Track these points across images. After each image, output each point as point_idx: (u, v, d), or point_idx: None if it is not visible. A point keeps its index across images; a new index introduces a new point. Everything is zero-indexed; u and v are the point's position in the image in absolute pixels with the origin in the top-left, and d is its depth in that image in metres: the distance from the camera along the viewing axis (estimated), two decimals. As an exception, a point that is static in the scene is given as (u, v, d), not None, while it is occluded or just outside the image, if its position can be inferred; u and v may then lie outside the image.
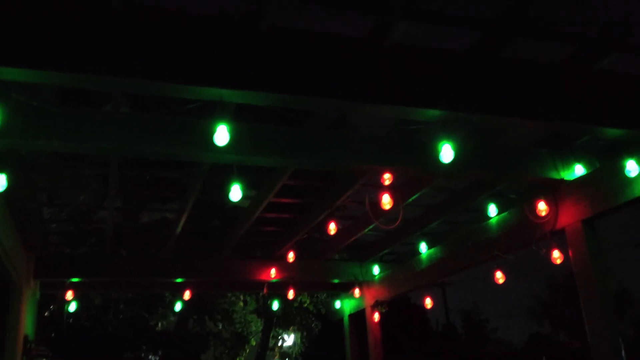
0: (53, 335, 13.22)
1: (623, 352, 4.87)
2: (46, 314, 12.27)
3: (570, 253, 5.38)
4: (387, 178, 5.45)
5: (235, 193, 4.70)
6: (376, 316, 9.32)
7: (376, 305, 9.31)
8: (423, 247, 8.16)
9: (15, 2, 3.48)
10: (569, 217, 5.39)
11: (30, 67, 3.38)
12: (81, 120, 4.18)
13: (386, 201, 5.37)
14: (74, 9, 3.54)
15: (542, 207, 5.55)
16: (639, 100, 4.63)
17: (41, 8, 3.51)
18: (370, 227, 7.48)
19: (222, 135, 3.82)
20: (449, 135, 4.42)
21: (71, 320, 12.83)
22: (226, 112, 4.07)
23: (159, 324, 14.53)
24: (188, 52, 3.68)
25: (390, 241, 8.61)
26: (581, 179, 5.33)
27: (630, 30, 4.13)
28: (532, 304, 40.18)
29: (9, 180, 4.63)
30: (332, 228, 6.79)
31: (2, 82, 3.59)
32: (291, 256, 8.36)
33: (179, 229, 7.38)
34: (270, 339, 15.94)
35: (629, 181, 4.77)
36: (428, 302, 8.82)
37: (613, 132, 4.61)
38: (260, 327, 15.62)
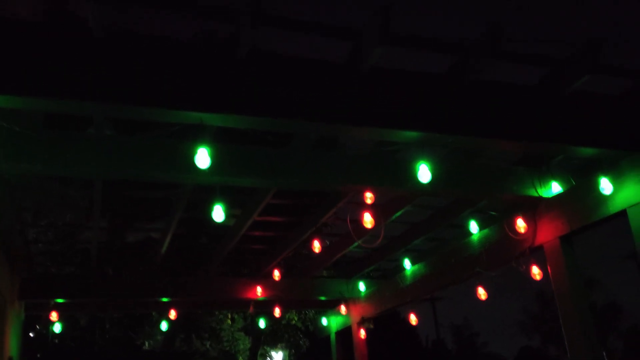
0: (39, 356, 13.09)
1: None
2: (31, 334, 12.17)
3: (549, 269, 5.48)
4: (369, 197, 5.52)
5: (218, 214, 4.75)
6: (362, 333, 9.35)
7: (362, 322, 9.34)
8: (408, 264, 8.23)
9: (-1, 30, 3.55)
10: (547, 234, 5.49)
11: (12, 93, 3.43)
12: (64, 144, 4.22)
13: (368, 220, 5.45)
14: (55, 35, 3.61)
15: (521, 224, 5.65)
16: (611, 120, 4.77)
17: (21, 35, 3.58)
18: (355, 244, 7.55)
19: (203, 157, 3.88)
20: (426, 155, 4.51)
21: (57, 340, 12.73)
22: (208, 135, 4.15)
23: (146, 344, 14.42)
24: (168, 76, 3.74)
25: (376, 258, 8.67)
26: (558, 196, 5.44)
27: (600, 52, 4.27)
28: (522, 318, 40.27)
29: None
30: (317, 246, 6.85)
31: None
32: (277, 274, 8.39)
33: (164, 248, 7.40)
34: (258, 357, 15.88)
35: (604, 199, 4.88)
36: (413, 319, 8.86)
37: (586, 151, 4.73)
38: (248, 345, 15.56)
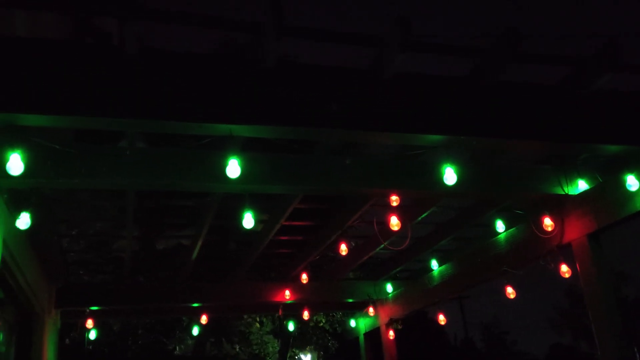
0: (74, 362, 13.40)
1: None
2: (67, 341, 12.46)
3: (577, 267, 5.48)
4: (394, 200, 5.59)
5: (248, 221, 4.86)
6: (391, 334, 9.39)
7: (391, 323, 9.39)
8: (434, 264, 8.26)
9: (34, 52, 3.72)
10: (574, 231, 5.49)
11: (50, 113, 3.59)
12: (99, 158, 4.38)
13: (394, 223, 5.51)
14: (91, 56, 3.77)
15: (548, 222, 5.65)
16: (635, 116, 4.77)
17: (59, 56, 3.74)
18: (382, 246, 7.61)
19: (233, 168, 4.00)
20: (451, 158, 4.57)
21: (91, 347, 13.01)
22: (236, 144, 4.26)
23: (177, 348, 14.65)
24: (198, 91, 3.87)
25: (403, 259, 8.72)
26: (585, 194, 5.44)
27: (620, 51, 4.29)
28: (552, 314, 39.65)
29: (32, 216, 4.82)
30: (344, 249, 6.92)
31: (23, 127, 3.80)
32: (305, 277, 8.48)
33: (194, 255, 7.54)
34: (288, 359, 16.00)
35: (630, 195, 4.87)
36: (442, 319, 8.89)
37: (612, 148, 4.74)
38: (277, 348, 15.70)
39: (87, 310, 8.58)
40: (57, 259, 7.37)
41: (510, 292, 6.80)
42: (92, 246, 8.05)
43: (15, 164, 3.57)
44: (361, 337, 10.57)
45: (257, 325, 14.97)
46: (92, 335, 9.24)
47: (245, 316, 13.97)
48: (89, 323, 8.69)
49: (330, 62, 4.27)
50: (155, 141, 4.87)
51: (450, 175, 4.45)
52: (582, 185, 5.52)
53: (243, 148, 4.40)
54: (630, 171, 4.80)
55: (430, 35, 4.04)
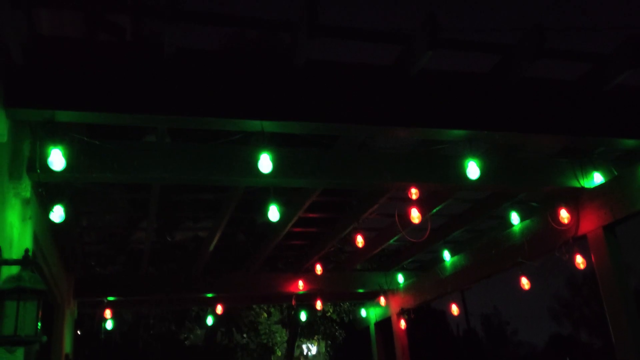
0: (87, 352, 13.57)
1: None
2: (78, 332, 12.61)
3: (592, 258, 5.59)
4: (414, 192, 5.70)
5: (274, 213, 4.97)
6: (402, 323, 9.54)
7: (402, 313, 9.53)
8: (447, 255, 8.38)
9: (71, 50, 3.81)
10: (590, 223, 5.60)
11: (89, 110, 3.69)
12: (131, 153, 4.48)
13: (415, 215, 5.63)
14: (128, 54, 3.87)
15: (564, 214, 5.77)
16: (653, 112, 4.87)
17: (96, 55, 3.84)
18: (396, 237, 7.73)
19: (265, 163, 4.11)
20: (473, 152, 4.68)
21: (103, 336, 13.19)
22: (262, 139, 4.35)
23: (189, 337, 14.82)
24: (232, 88, 3.98)
25: (414, 250, 8.84)
26: (600, 187, 5.55)
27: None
28: (552, 305, 39.94)
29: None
30: (360, 241, 7.03)
31: (61, 123, 3.90)
32: (319, 268, 8.61)
33: (211, 247, 7.66)
34: (295, 349, 16.17)
35: (646, 188, 4.99)
36: (454, 309, 9.02)
37: (629, 142, 4.85)
38: (285, 338, 15.88)
39: (105, 301, 8.72)
40: (77, 251, 7.50)
41: (525, 283, 6.91)
42: (110, 238, 8.18)
43: (57, 159, 3.68)
44: (372, 327, 10.72)
45: (265, 315, 15.12)
46: (109, 325, 9.39)
47: (255, 306, 14.14)
48: (107, 313, 8.83)
49: (358, 59, 4.38)
50: (181, 137, 4.97)
51: (473, 169, 4.56)
52: (597, 178, 5.63)
53: (270, 143, 4.50)
54: (647, 165, 4.91)
55: (455, 31, 4.12)
